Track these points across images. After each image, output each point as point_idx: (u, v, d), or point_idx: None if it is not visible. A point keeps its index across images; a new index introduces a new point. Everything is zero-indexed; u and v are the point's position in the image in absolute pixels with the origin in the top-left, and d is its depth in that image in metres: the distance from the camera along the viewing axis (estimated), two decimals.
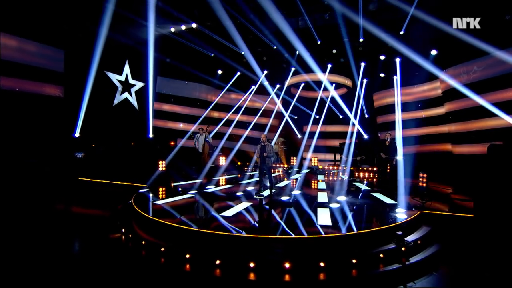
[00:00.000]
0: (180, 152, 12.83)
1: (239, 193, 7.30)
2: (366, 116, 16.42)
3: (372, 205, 6.10)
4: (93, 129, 10.77)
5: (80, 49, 10.46)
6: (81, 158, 10.21)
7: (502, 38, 8.39)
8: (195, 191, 7.44)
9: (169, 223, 4.56)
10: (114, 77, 11.91)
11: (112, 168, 10.83)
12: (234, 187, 8.36)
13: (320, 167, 11.96)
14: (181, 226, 4.44)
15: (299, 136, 17.84)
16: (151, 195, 7.04)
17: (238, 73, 15.04)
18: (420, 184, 6.39)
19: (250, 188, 8.37)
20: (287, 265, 3.75)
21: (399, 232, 4.64)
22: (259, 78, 14.68)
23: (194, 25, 10.67)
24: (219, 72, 15.23)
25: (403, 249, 4.33)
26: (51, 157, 9.30)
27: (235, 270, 3.77)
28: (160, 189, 7.85)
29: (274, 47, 11.91)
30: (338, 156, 12.87)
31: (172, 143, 14.75)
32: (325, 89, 16.00)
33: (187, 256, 3.99)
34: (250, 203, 6.10)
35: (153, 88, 12.85)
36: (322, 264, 3.81)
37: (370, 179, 10.04)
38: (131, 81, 12.67)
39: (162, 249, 4.21)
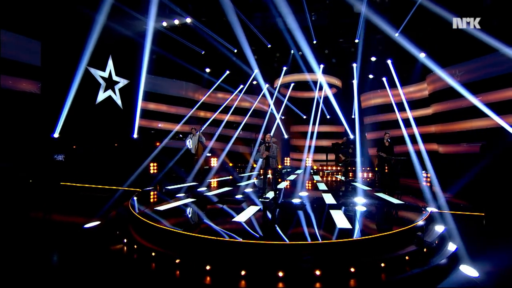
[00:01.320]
0: (170, 154, 12.25)
1: (243, 196, 7.00)
2: (353, 116, 16.76)
3: (381, 206, 6.08)
4: (74, 129, 9.92)
5: (59, 41, 9.58)
6: (61, 161, 9.34)
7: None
8: (195, 195, 7.05)
9: (181, 231, 4.18)
10: (96, 73, 11.06)
11: (96, 171, 10.08)
12: (233, 189, 8.04)
13: (315, 167, 11.94)
14: (197, 235, 4.08)
15: (286, 136, 17.84)
16: (147, 200, 6.56)
17: (228, 72, 14.68)
18: (424, 183, 6.49)
19: (249, 189, 8.10)
20: (317, 272, 3.54)
21: (419, 233, 4.63)
22: (249, 77, 14.44)
23: (188, 20, 10.16)
24: (208, 70, 14.76)
25: (424, 250, 4.30)
26: (27, 160, 8.40)
27: (263, 281, 3.50)
28: (156, 193, 7.34)
29: (269, 46, 11.74)
30: (330, 156, 12.96)
31: (157, 144, 14.08)
32: (318, 89, 16.14)
33: (207, 267, 3.65)
34: (259, 207, 5.84)
35: (143, 86, 12.12)
36: (352, 269, 3.65)
37: (365, 179, 10.17)
38: (114, 78, 11.86)
39: (177, 260, 3.82)
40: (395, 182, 7.36)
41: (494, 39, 7.83)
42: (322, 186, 8.44)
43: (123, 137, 12.43)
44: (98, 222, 5.65)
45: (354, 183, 8.93)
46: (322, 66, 13.32)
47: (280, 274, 3.51)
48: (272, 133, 15.05)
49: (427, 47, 10.68)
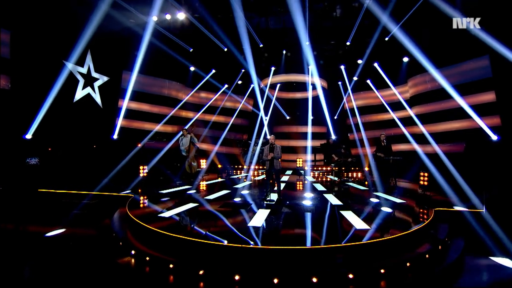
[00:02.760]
0: (153, 155, 11.62)
1: (245, 199, 6.79)
2: (335, 117, 17.19)
3: (386, 206, 6.19)
4: (50, 129, 8.99)
5: (32, 32, 8.62)
6: (36, 165, 8.40)
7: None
8: (195, 199, 6.70)
9: (205, 241, 3.90)
10: (74, 69, 10.13)
11: (74, 175, 9.25)
12: (231, 192, 7.78)
13: (306, 168, 12.04)
14: (219, 243, 3.83)
15: (269, 136, 17.78)
16: (145, 206, 6.11)
17: (214, 71, 14.28)
18: (421, 182, 6.76)
19: (247, 191, 7.91)
20: (350, 276, 3.48)
21: (432, 231, 4.78)
22: (237, 77, 14.25)
23: (181, 15, 9.61)
24: (192, 68, 14.23)
25: (439, 247, 4.44)
26: None
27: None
28: (152, 199, 6.86)
29: (261, 45, 11.61)
30: (317, 157, 13.18)
31: (138, 145, 13.31)
32: (302, 90, 16.33)
33: (236, 277, 3.43)
34: (268, 210, 5.67)
35: (128, 84, 11.34)
36: (382, 270, 3.64)
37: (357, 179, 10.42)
38: (94, 74, 10.96)
39: (201, 272, 3.55)
40: (393, 182, 7.60)
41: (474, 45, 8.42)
42: (319, 187, 8.48)
43: (103, 138, 11.56)
44: (63, 230, 5.13)
45: (348, 183, 9.11)
46: (310, 67, 13.52)
47: (314, 280, 3.40)
48: (263, 135, 14.95)
49: (410, 53, 11.23)
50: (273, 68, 14.02)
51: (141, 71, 12.71)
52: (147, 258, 3.98)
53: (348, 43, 10.69)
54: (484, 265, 4.07)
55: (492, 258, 4.22)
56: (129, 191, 7.80)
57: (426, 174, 6.62)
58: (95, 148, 11.43)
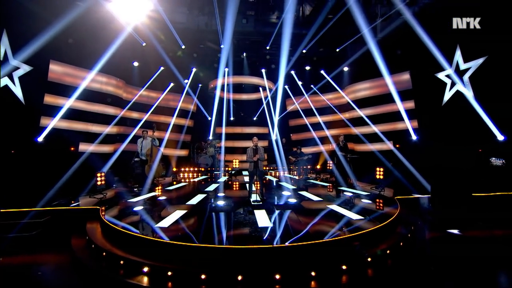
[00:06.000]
0: (97, 160, 10.06)
1: (229, 202, 6.71)
2: (277, 118, 18.24)
3: (358, 197, 7.09)
4: None
5: None
6: None
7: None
8: (181, 205, 6.26)
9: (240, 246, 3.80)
10: None
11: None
12: (208, 195, 7.51)
13: (265, 168, 12.43)
14: (259, 246, 3.81)
15: (210, 138, 17.66)
16: (127, 218, 5.38)
17: (162, 68, 13.26)
18: (377, 176, 7.99)
19: (223, 194, 7.81)
20: (369, 259, 4.00)
21: (404, 215, 5.78)
22: (188, 76, 13.63)
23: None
24: (136, 64, 12.85)
25: (412, 228, 5.45)
26: None
27: (329, 277, 3.67)
28: (121, 208, 6.07)
29: (222, 46, 11.43)
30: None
31: (72, 149, 11.26)
32: (248, 92, 16.76)
33: (277, 277, 3.52)
34: (263, 210, 5.80)
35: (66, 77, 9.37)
36: (388, 251, 4.30)
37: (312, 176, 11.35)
38: (12, 61, 8.75)
39: (240, 277, 3.49)
40: (351, 179, 8.71)
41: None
42: (288, 185, 8.99)
43: (24, 141, 9.39)
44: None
45: (309, 181, 9.94)
46: (264, 70, 14.08)
47: (344, 267, 3.77)
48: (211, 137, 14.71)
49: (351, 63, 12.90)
50: (226, 69, 13.98)
51: (75, 63, 10.86)
52: (169, 273, 3.62)
53: (304, 51, 11.64)
54: (437, 236, 5.29)
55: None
56: (99, 201, 6.65)
57: (381, 169, 7.89)
58: (13, 153, 9.20)
